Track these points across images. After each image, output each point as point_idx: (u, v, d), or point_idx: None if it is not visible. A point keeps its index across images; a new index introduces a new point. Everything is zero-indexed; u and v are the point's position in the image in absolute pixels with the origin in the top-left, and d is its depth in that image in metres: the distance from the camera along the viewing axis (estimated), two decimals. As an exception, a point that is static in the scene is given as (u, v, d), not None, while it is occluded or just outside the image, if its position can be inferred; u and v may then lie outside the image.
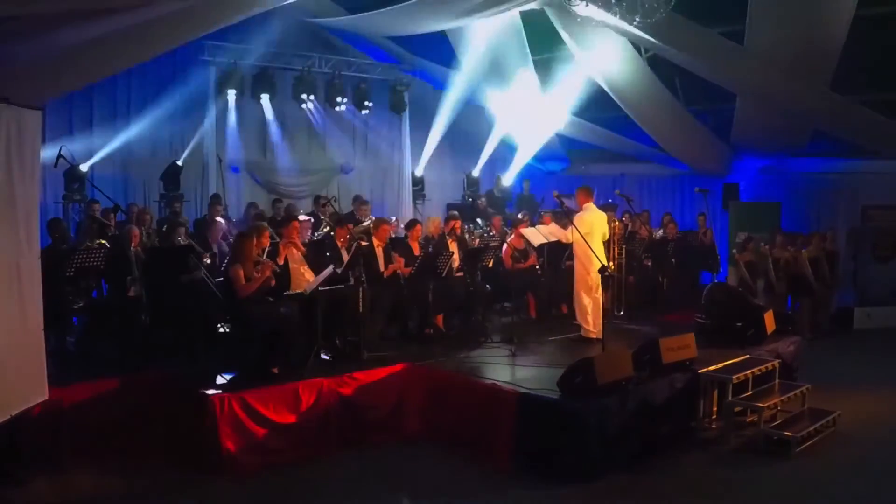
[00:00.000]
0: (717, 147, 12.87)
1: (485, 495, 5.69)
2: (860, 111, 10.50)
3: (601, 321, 7.69)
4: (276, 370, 6.54)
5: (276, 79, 12.95)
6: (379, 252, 8.16)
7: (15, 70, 7.72)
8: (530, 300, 9.68)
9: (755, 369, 7.05)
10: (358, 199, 11.91)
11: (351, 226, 8.81)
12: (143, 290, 7.48)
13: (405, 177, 14.80)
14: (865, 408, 7.55)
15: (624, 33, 10.32)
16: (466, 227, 11.25)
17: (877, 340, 10.68)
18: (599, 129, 13.85)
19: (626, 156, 14.25)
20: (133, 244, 7.76)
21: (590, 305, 8.17)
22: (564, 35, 11.48)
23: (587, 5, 7.98)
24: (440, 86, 14.45)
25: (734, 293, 8.84)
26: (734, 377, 6.79)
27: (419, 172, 14.74)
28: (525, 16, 11.92)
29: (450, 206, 12.86)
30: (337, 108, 13.77)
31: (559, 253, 9.37)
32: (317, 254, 7.96)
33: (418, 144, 14.84)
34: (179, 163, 11.71)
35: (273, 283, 6.84)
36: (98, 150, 11.40)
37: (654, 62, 11.71)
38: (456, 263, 8.55)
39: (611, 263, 8.64)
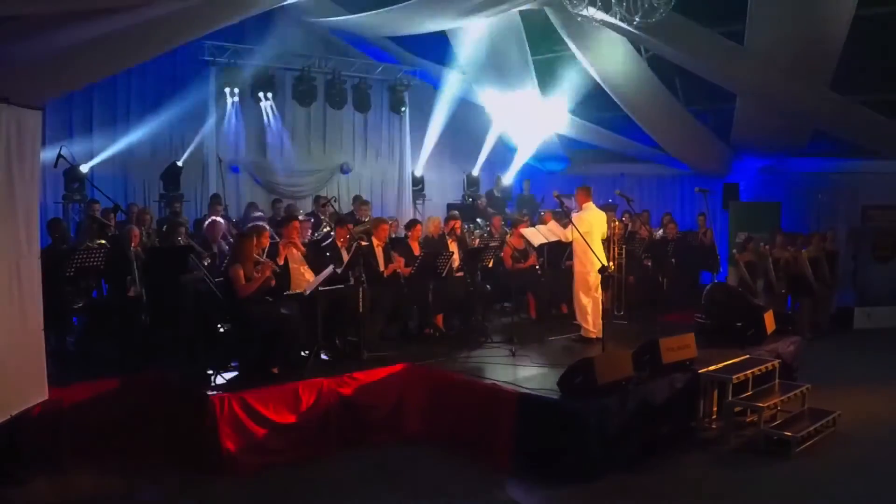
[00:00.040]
0: (717, 147, 12.87)
1: (485, 495, 5.70)
2: (860, 111, 10.50)
3: (601, 321, 7.69)
4: (276, 370, 6.55)
5: (276, 79, 12.97)
6: (379, 252, 8.16)
7: (15, 70, 7.71)
8: (530, 300, 9.68)
9: (755, 369, 7.05)
10: (358, 199, 11.92)
11: (351, 226, 8.81)
12: (143, 290, 7.48)
13: (405, 177, 14.81)
14: (865, 408, 7.55)
15: (624, 33, 10.33)
16: (466, 227, 11.25)
17: (877, 340, 10.68)
18: (599, 129, 13.86)
19: (626, 156, 14.25)
20: (133, 244, 7.75)
21: (589, 305, 8.17)
22: (564, 35, 11.48)
23: (587, 5, 7.97)
24: (440, 86, 14.45)
25: (734, 293, 8.84)
26: (734, 377, 6.79)
27: (419, 172, 14.74)
28: (525, 16, 11.93)
29: (450, 206, 12.85)
30: (337, 109, 13.77)
31: (559, 253, 9.36)
32: (317, 254, 7.96)
33: (418, 144, 14.85)
34: (180, 163, 11.71)
35: (273, 283, 6.84)
36: (98, 149, 11.41)
37: (654, 62, 11.72)
38: (456, 263, 8.55)
39: (611, 263, 8.64)
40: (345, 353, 7.38)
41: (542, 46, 13.64)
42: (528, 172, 15.62)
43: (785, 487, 5.77)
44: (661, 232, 11.39)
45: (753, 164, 13.14)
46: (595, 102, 13.65)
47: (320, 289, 7.06)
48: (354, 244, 7.68)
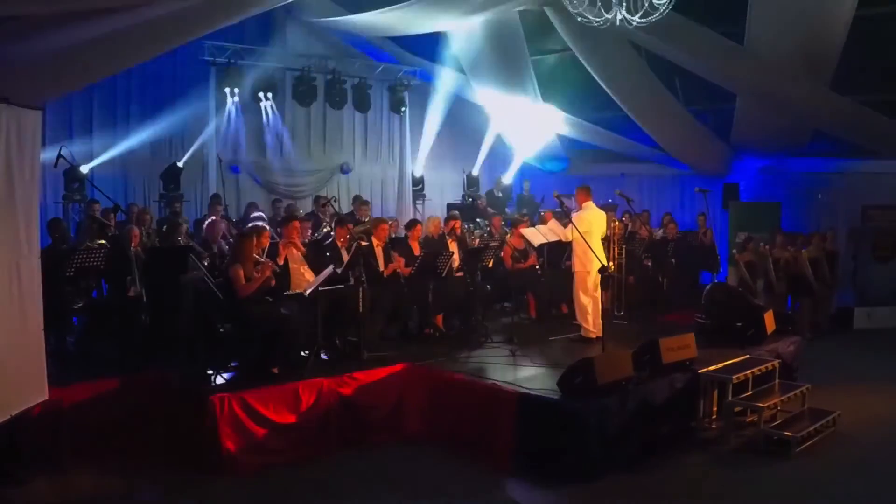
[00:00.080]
0: (717, 147, 12.87)
1: (485, 495, 5.69)
2: (860, 111, 10.50)
3: (601, 321, 7.68)
4: (276, 370, 6.55)
5: (276, 79, 12.97)
6: (378, 252, 8.16)
7: (15, 70, 7.71)
8: (530, 300, 9.67)
9: (755, 369, 7.05)
10: (358, 199, 11.92)
11: (351, 226, 8.81)
12: (143, 290, 7.47)
13: (405, 177, 14.81)
14: (865, 408, 7.55)
15: (624, 33, 10.33)
16: (466, 227, 11.25)
17: (877, 340, 10.67)
18: (599, 129, 13.86)
19: (626, 156, 14.24)
20: (133, 244, 7.76)
21: (589, 305, 8.17)
22: (564, 35, 11.49)
23: (586, 6, 7.97)
24: (440, 86, 14.44)
25: (734, 293, 8.83)
26: (734, 377, 6.79)
27: (419, 172, 14.74)
28: (525, 16, 11.93)
29: (450, 206, 12.86)
30: (337, 109, 13.77)
31: (559, 253, 9.36)
32: (317, 254, 7.97)
33: (418, 144, 14.85)
34: (180, 164, 11.70)
35: (273, 283, 6.84)
36: (98, 149, 11.42)
37: (654, 62, 11.72)
38: (456, 263, 8.55)
39: (611, 263, 8.64)
40: (345, 353, 7.38)
41: (542, 46, 13.67)
42: (528, 172, 15.62)
43: (785, 487, 5.77)
44: (661, 232, 11.39)
45: (753, 164, 13.14)
46: (595, 102, 13.66)
47: (320, 289, 7.05)
48: (354, 244, 7.68)
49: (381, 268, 8.08)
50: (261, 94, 12.67)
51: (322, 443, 6.38)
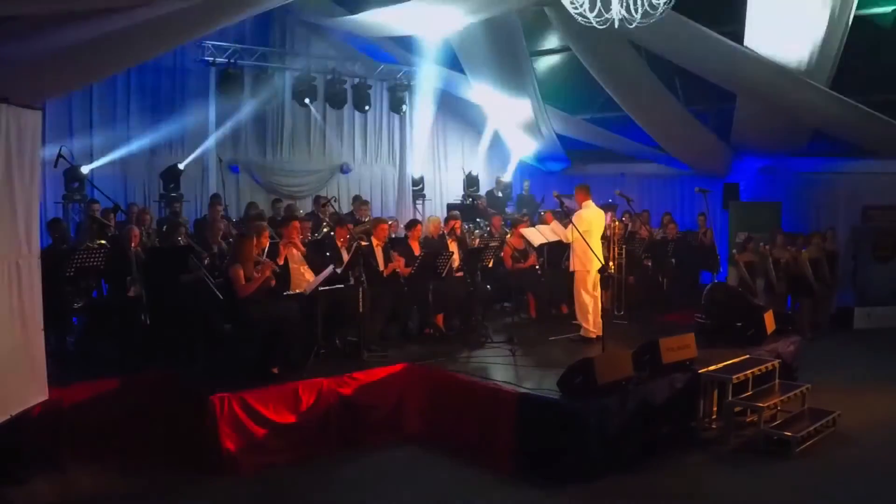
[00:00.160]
0: (717, 147, 12.87)
1: (485, 495, 5.69)
2: (860, 111, 10.50)
3: (601, 320, 7.68)
4: (276, 370, 6.55)
5: (276, 79, 12.97)
6: (378, 252, 8.17)
7: (15, 70, 7.71)
8: (530, 300, 9.68)
9: (755, 369, 7.05)
10: (358, 199, 11.91)
11: (351, 226, 8.81)
12: (143, 290, 7.47)
13: (405, 177, 14.81)
14: (865, 408, 7.55)
15: (624, 33, 10.32)
16: (466, 227, 11.25)
17: (877, 340, 10.67)
18: (599, 129, 13.86)
19: (626, 156, 14.24)
20: (133, 244, 7.75)
21: (590, 304, 8.18)
22: (564, 35, 11.48)
23: (586, 6, 7.97)
24: (440, 85, 14.45)
25: (734, 293, 8.83)
26: (734, 377, 6.79)
27: (419, 172, 14.74)
28: (525, 16, 11.93)
29: (450, 206, 12.86)
30: (337, 109, 13.77)
31: (559, 253, 9.36)
32: (317, 254, 7.97)
33: (418, 144, 14.85)
34: (181, 167, 11.70)
35: (273, 283, 6.84)
36: (98, 150, 11.41)
37: (654, 62, 11.71)
38: (456, 263, 8.55)
39: (611, 263, 8.64)
40: (345, 353, 7.38)
41: (542, 46, 13.68)
42: (528, 172, 15.63)
43: (785, 487, 5.77)
44: (661, 232, 11.39)
45: (753, 164, 13.13)
46: (595, 102, 13.66)
47: (320, 289, 7.06)
48: (354, 244, 7.68)
49: (381, 268, 8.08)
50: (261, 94, 12.65)
51: (322, 443, 6.38)
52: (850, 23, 9.21)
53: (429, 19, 11.12)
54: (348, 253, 7.72)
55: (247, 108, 12.70)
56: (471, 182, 14.78)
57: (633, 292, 9.97)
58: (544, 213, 10.74)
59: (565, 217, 8.76)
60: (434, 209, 14.20)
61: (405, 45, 13.49)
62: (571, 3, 7.81)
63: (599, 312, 7.87)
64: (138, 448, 6.12)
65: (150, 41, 9.01)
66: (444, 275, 8.20)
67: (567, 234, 8.35)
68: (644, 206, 12.53)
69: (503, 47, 12.58)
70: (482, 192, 14.69)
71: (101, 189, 8.37)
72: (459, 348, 7.79)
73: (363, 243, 7.90)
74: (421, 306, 8.28)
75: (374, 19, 11.21)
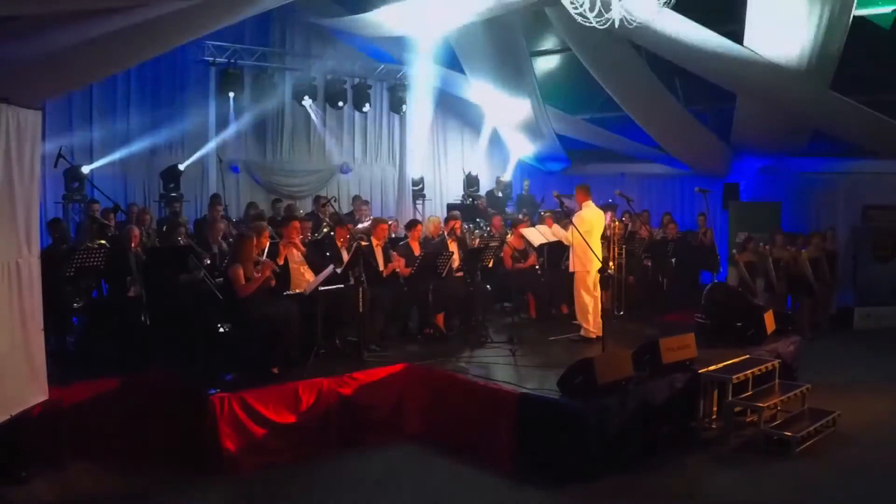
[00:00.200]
0: (717, 147, 12.87)
1: (485, 495, 5.69)
2: (860, 111, 10.50)
3: (601, 320, 7.68)
4: (276, 370, 6.55)
5: (276, 79, 12.97)
6: (378, 252, 8.17)
7: (15, 70, 7.71)
8: (530, 300, 9.68)
9: (755, 369, 7.05)
10: (358, 199, 11.91)
11: (351, 226, 8.81)
12: (143, 290, 7.48)
13: (405, 177, 14.81)
14: (865, 408, 7.55)
15: (624, 33, 10.33)
16: (466, 227, 11.25)
17: (877, 340, 10.67)
18: (599, 129, 13.85)
19: (626, 156, 14.25)
20: (133, 244, 7.75)
21: (590, 304, 8.18)
22: (564, 35, 11.47)
23: (585, 6, 7.97)
24: (440, 85, 14.45)
25: (734, 293, 8.83)
26: (734, 377, 6.79)
27: (419, 172, 14.74)
28: (525, 15, 11.93)
29: (450, 206, 12.86)
30: (336, 108, 13.77)
31: (559, 253, 9.37)
32: (317, 254, 7.97)
33: (418, 144, 14.85)
34: (182, 167, 11.70)
35: (273, 283, 6.84)
36: (98, 149, 11.43)
37: (654, 62, 11.71)
38: (456, 263, 8.55)
39: (611, 263, 8.63)
40: (345, 353, 7.38)
41: (542, 46, 13.67)
42: (527, 172, 15.64)
43: (785, 487, 5.77)
44: (661, 232, 11.40)
45: (753, 164, 13.13)
46: (595, 102, 13.66)
47: (320, 289, 7.06)
48: (354, 244, 7.68)
49: (381, 268, 8.08)
50: (261, 94, 12.66)
51: (322, 443, 6.38)
52: (849, 23, 9.20)
53: (429, 19, 11.12)
54: (348, 253, 7.72)
55: (247, 108, 12.72)
56: (471, 182, 14.79)
57: (633, 292, 9.98)
58: (544, 212, 10.75)
59: (565, 217, 8.75)
60: (434, 209, 14.20)
61: (405, 45, 13.49)
62: (571, 3, 7.81)
63: (599, 313, 7.87)
64: (138, 448, 6.12)
65: (150, 41, 9.00)
66: (444, 275, 8.20)
67: (567, 236, 8.35)
68: (644, 206, 12.54)
69: (503, 47, 12.58)
70: (482, 192, 14.70)
71: (101, 189, 8.38)
72: (459, 348, 7.79)
73: (363, 243, 7.91)
74: (421, 306, 8.29)
75: (373, 19, 11.21)
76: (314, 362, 6.82)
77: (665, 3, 7.82)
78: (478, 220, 12.62)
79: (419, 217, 12.49)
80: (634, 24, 7.80)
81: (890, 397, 8.00)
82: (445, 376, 6.89)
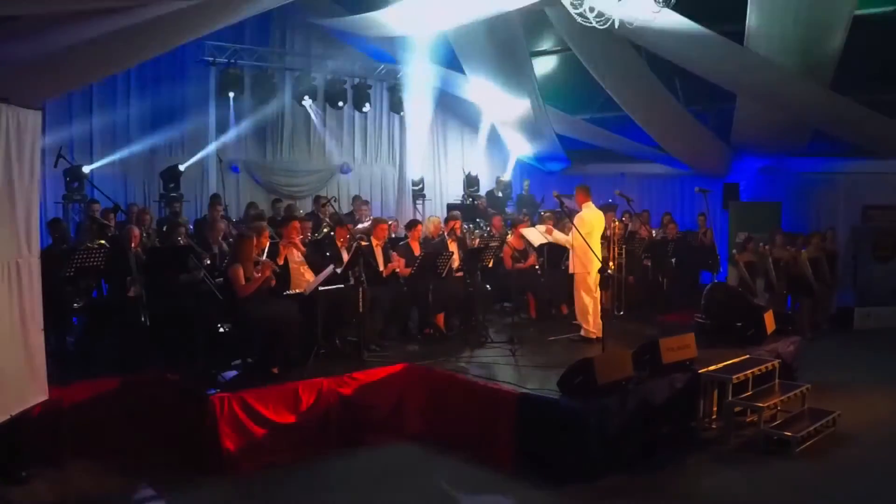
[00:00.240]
0: (717, 147, 12.87)
1: (485, 495, 5.70)
2: (860, 111, 10.50)
3: (601, 321, 7.68)
4: (276, 370, 6.55)
5: (276, 79, 12.98)
6: (378, 252, 8.17)
7: (15, 70, 7.71)
8: (530, 300, 9.68)
9: (755, 369, 7.05)
10: (358, 199, 11.90)
11: (351, 226, 8.81)
12: (143, 290, 7.47)
13: (405, 177, 14.81)
14: (865, 408, 7.55)
15: (624, 33, 10.33)
16: (466, 227, 11.24)
17: (877, 340, 10.68)
18: (599, 129, 13.85)
19: (626, 156, 14.25)
20: (133, 244, 7.74)
21: (591, 305, 8.18)
22: (564, 35, 11.47)
23: (585, 6, 7.98)
24: (440, 85, 14.45)
25: (734, 293, 8.84)
26: (734, 377, 6.79)
27: (419, 172, 14.74)
28: (525, 15, 11.91)
29: (450, 206, 12.86)
30: (336, 109, 13.78)
31: (559, 253, 9.37)
32: (316, 254, 7.96)
33: (418, 144, 14.85)
34: (182, 168, 11.70)
35: (273, 283, 6.84)
36: (98, 149, 11.43)
37: (654, 62, 11.71)
38: (456, 263, 8.55)
39: (611, 263, 8.63)
40: (345, 353, 7.38)
41: (542, 46, 13.66)
42: (527, 172, 15.63)
43: (785, 487, 5.77)
44: (661, 232, 11.40)
45: (753, 164, 13.14)
46: (595, 102, 13.66)
47: (320, 289, 7.06)
48: (354, 244, 7.68)
49: (381, 268, 8.08)
50: (261, 94, 12.66)
51: (322, 443, 6.38)
52: (849, 23, 9.20)
53: (429, 19, 11.11)
54: (348, 253, 7.72)
55: (247, 108, 12.72)
56: (471, 182, 14.79)
57: (633, 292, 9.98)
58: (544, 212, 10.74)
59: (565, 217, 8.75)
60: (434, 209, 14.20)
61: (405, 45, 13.49)
62: (571, 3, 7.81)
63: (599, 313, 7.87)
64: (138, 448, 6.12)
65: (150, 41, 9.00)
66: (444, 275, 8.21)
67: (568, 239, 8.35)
68: (644, 206, 12.54)
69: (503, 47, 12.58)
70: (482, 192, 14.70)
71: (101, 189, 8.37)
72: (459, 348, 7.79)
73: (363, 243, 7.91)
74: (421, 306, 8.29)
75: (373, 19, 11.20)
76: (314, 362, 6.82)
77: (665, 3, 7.82)
78: (478, 220, 12.62)
79: (419, 217, 12.50)
80: (634, 24, 7.80)
81: (890, 397, 8.01)
82: (445, 376, 6.89)
